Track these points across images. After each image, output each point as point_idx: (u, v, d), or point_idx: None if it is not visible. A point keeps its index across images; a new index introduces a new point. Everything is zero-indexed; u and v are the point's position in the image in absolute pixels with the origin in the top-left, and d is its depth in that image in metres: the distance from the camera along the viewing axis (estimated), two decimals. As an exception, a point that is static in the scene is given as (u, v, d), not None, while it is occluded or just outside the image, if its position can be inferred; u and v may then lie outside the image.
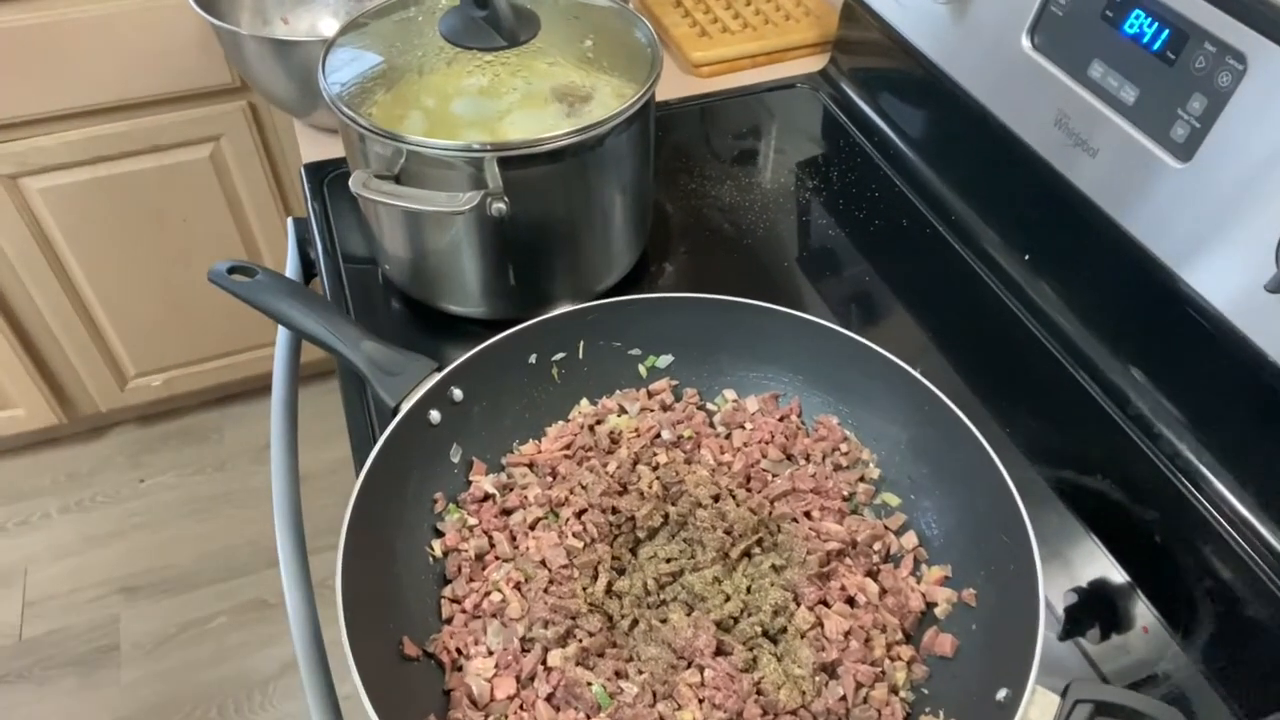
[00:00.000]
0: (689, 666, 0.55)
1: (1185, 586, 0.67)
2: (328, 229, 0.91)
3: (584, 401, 0.71)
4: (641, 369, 0.73)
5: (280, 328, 0.89)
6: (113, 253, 1.58)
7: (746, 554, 0.62)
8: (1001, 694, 0.50)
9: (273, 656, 1.62)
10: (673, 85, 1.11)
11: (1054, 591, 0.65)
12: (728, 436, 0.70)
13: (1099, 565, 0.67)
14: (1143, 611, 0.65)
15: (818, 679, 0.55)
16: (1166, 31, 0.68)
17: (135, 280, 1.63)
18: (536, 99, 0.73)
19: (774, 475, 0.66)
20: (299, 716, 1.54)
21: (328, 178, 0.96)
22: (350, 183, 0.68)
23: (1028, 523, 0.55)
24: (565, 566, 0.60)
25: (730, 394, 0.72)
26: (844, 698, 0.54)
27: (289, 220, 0.97)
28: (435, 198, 0.68)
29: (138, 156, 1.49)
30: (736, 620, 0.58)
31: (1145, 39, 0.69)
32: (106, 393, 1.78)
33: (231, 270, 0.69)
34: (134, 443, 1.95)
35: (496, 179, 0.69)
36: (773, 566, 0.60)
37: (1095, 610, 0.65)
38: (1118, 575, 0.67)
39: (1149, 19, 0.69)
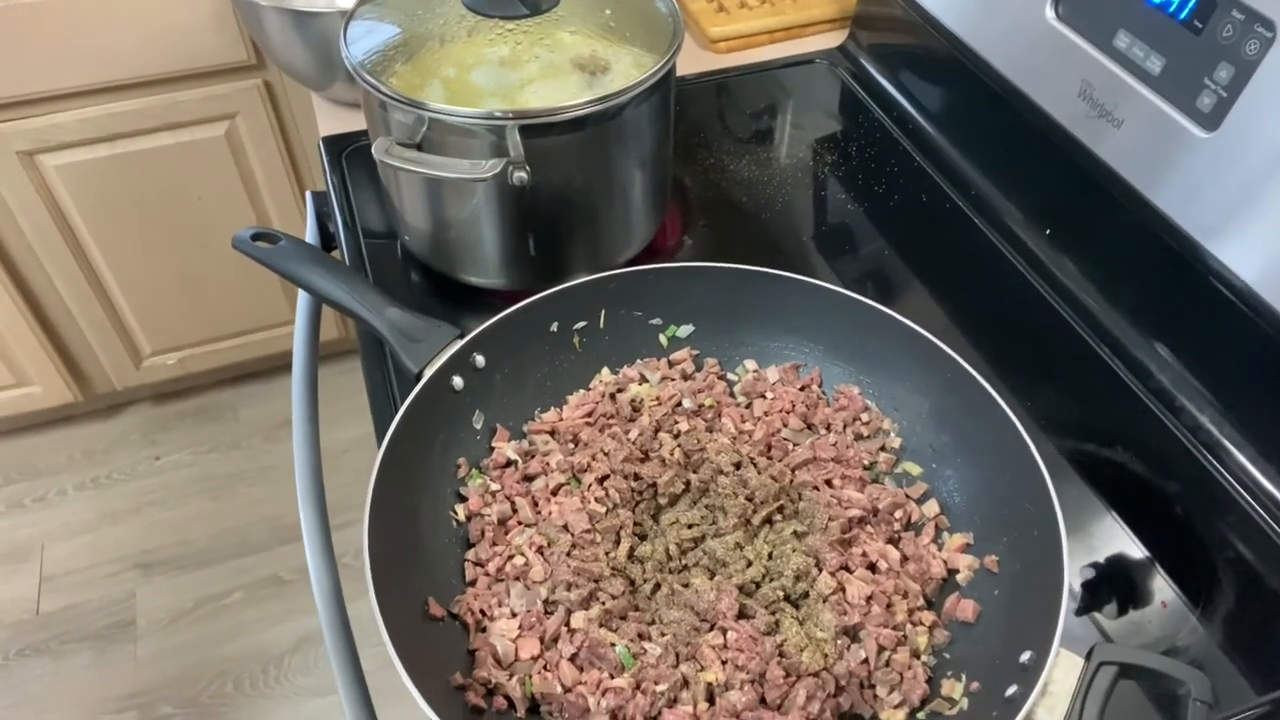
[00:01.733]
0: (711, 629, 0.56)
1: (1205, 560, 0.67)
2: (347, 202, 0.91)
3: (605, 370, 0.71)
4: (662, 338, 0.73)
5: (299, 301, 0.90)
6: (128, 230, 1.59)
7: (768, 520, 0.62)
8: (1025, 656, 0.51)
9: (288, 631, 1.63)
10: (690, 61, 1.11)
11: (1072, 566, 0.65)
12: (748, 406, 0.70)
13: (1117, 539, 0.67)
14: (1161, 586, 0.65)
15: (840, 642, 0.55)
16: (1194, 0, 0.67)
17: (151, 258, 1.64)
18: (557, 68, 0.73)
19: (795, 444, 0.67)
20: (314, 690, 1.56)
21: (346, 150, 0.96)
22: (373, 149, 0.68)
23: (1051, 487, 0.55)
24: (587, 531, 0.60)
25: (751, 364, 0.72)
26: (866, 660, 0.54)
27: (308, 194, 0.97)
28: (458, 165, 0.68)
29: (154, 134, 1.49)
30: (758, 585, 0.58)
31: (1172, 7, 0.69)
32: (122, 371, 1.79)
33: (255, 237, 0.69)
34: (149, 421, 1.96)
35: (518, 147, 0.69)
36: (794, 533, 0.61)
37: (1113, 585, 0.65)
38: (1136, 549, 0.67)
39: (1176, -13, 0.68)
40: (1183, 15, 0.68)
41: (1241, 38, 0.64)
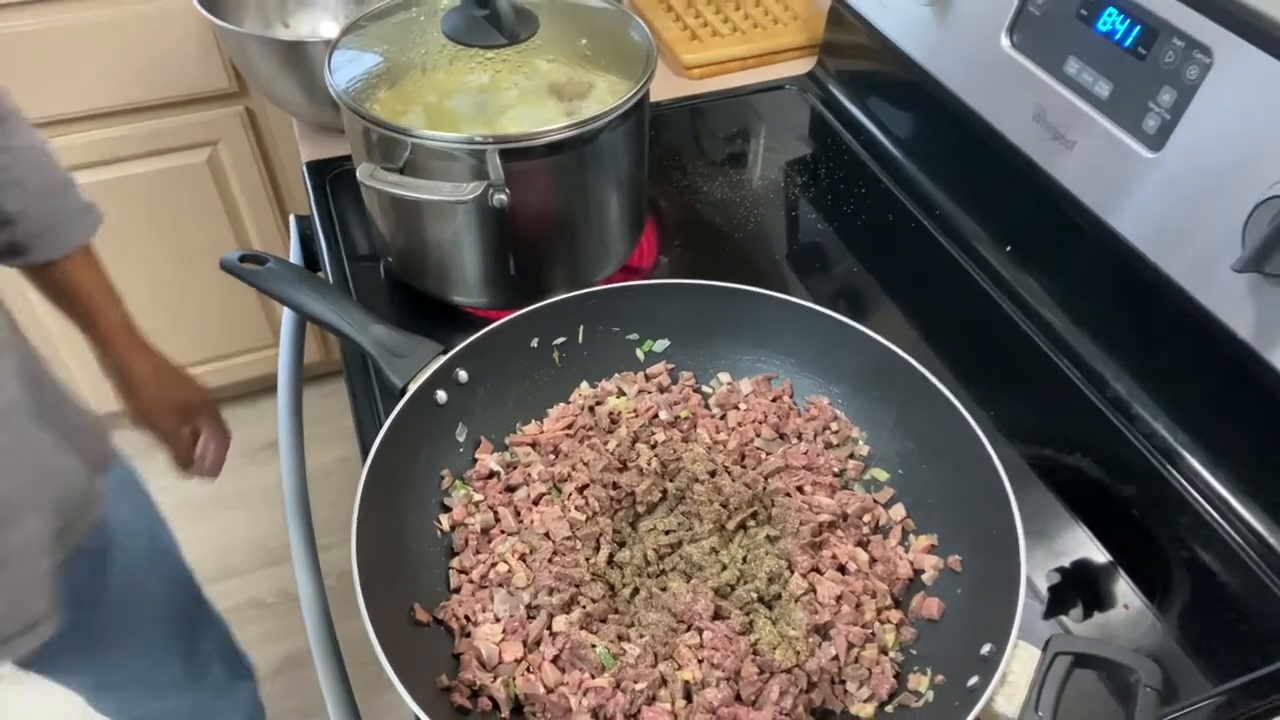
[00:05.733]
0: (688, 630, 0.58)
1: (1163, 560, 0.70)
2: (331, 225, 0.93)
3: (584, 384, 0.74)
4: (639, 353, 0.75)
5: (284, 322, 0.92)
6: (109, 256, 1.58)
7: (742, 526, 0.64)
8: (986, 649, 0.53)
9: (271, 654, 1.62)
10: (664, 86, 1.14)
11: (1037, 569, 0.68)
12: (723, 417, 0.72)
13: (1079, 541, 0.70)
14: (1123, 586, 0.68)
15: (811, 640, 0.57)
16: (1138, 28, 0.71)
17: (131, 283, 1.62)
18: (536, 95, 0.76)
19: (767, 453, 0.69)
20: (299, 713, 1.55)
21: (330, 175, 0.98)
22: (358, 173, 0.71)
23: (1009, 489, 0.58)
24: (568, 538, 0.62)
25: (725, 376, 0.75)
26: (836, 657, 0.56)
27: (292, 217, 0.99)
28: (440, 188, 0.70)
29: (136, 161, 1.50)
30: (733, 587, 0.61)
31: (1118, 35, 0.73)
32: (102, 395, 1.79)
33: (243, 259, 0.71)
34: (129, 445, 1.95)
35: (498, 171, 0.71)
36: (767, 537, 0.63)
37: (1078, 587, 0.68)
38: (1097, 551, 0.70)
39: (1121, 16, 0.72)
40: (1128, 43, 0.72)
41: (1182, 63, 0.68)
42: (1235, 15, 0.64)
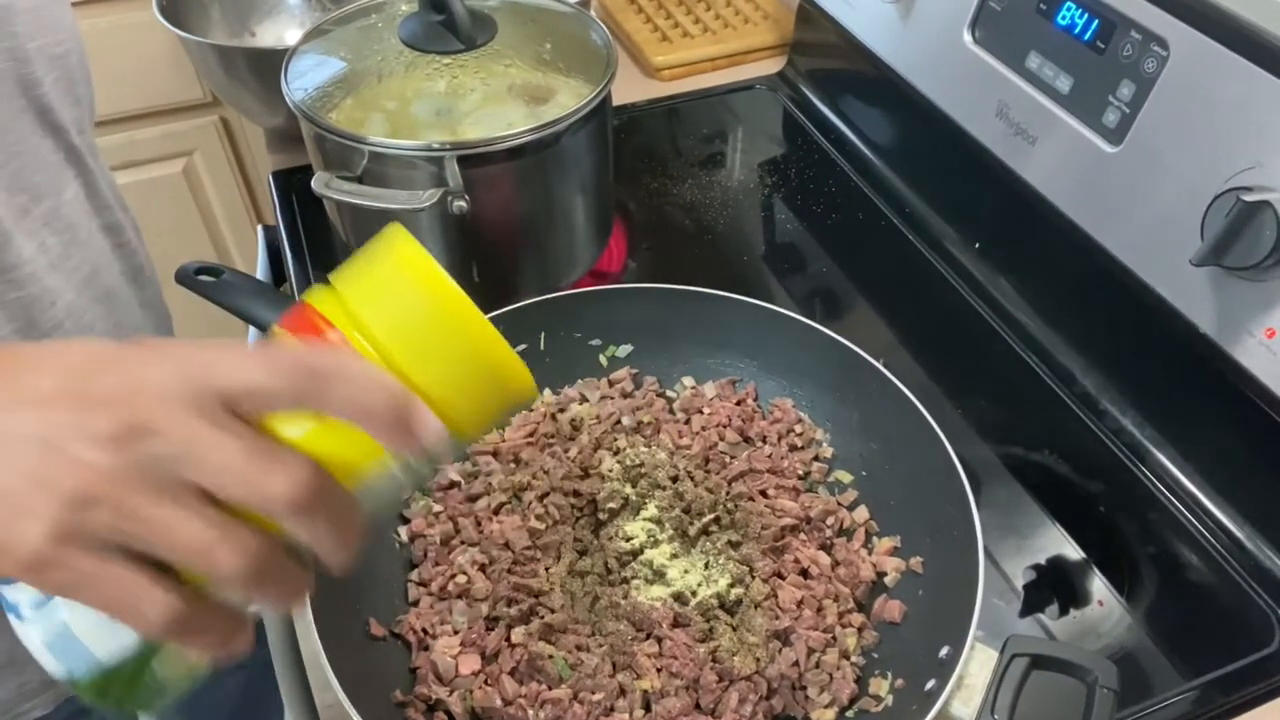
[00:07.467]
0: (648, 638, 0.57)
1: (1133, 556, 0.70)
2: (297, 235, 0.93)
3: (546, 391, 0.73)
4: (602, 359, 0.75)
5: (248, 339, 0.91)
6: (88, 269, 1.59)
7: (704, 531, 0.64)
8: (943, 651, 0.52)
9: (255, 667, 1.62)
10: (636, 88, 1.14)
11: (1011, 567, 0.68)
12: (687, 421, 0.71)
13: (1051, 538, 0.70)
14: (1095, 582, 0.68)
15: (771, 646, 0.56)
16: (1096, 22, 0.71)
17: (111, 296, 1.64)
18: (495, 100, 0.75)
19: (732, 457, 0.68)
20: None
21: (297, 184, 0.97)
22: (313, 183, 0.70)
23: (968, 489, 0.58)
24: (529, 548, 0.61)
25: (689, 380, 0.74)
26: (796, 663, 0.56)
27: (259, 227, 0.99)
28: (396, 196, 0.70)
29: (111, 173, 1.50)
30: (694, 593, 0.60)
31: (1077, 29, 0.72)
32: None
33: (198, 272, 0.71)
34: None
35: (456, 177, 0.71)
36: (729, 542, 0.62)
37: (1049, 582, 0.68)
38: (1069, 547, 0.69)
39: (1079, 10, 0.72)
40: (1087, 37, 0.72)
41: (1140, 56, 0.68)
42: (1189, 7, 0.63)
